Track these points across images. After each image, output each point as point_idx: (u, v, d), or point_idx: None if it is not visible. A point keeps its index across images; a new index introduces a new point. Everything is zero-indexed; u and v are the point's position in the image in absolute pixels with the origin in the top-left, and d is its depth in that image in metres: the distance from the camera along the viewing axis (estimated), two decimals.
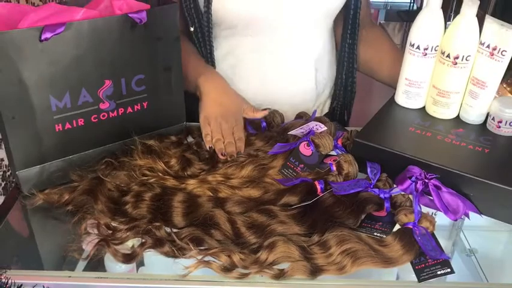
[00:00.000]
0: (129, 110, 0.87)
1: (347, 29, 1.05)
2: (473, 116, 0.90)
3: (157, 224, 0.72)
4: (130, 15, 0.80)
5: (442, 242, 1.07)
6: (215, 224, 0.72)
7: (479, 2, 0.82)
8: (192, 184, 0.81)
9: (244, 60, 1.03)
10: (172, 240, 0.70)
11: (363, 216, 0.77)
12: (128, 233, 0.72)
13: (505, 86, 1.42)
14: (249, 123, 0.98)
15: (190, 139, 0.96)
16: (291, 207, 0.76)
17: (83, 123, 0.83)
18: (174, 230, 0.73)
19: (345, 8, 1.03)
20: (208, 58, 1.03)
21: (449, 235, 1.08)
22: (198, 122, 0.93)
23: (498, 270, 1.04)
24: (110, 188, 0.80)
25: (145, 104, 0.89)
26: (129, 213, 0.76)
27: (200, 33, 1.01)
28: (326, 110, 1.16)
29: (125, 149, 0.87)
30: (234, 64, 1.04)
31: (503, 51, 0.83)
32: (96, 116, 0.84)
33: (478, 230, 0.93)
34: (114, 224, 0.75)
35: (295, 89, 1.06)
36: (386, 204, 0.78)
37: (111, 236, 0.72)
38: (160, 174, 0.83)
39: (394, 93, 0.97)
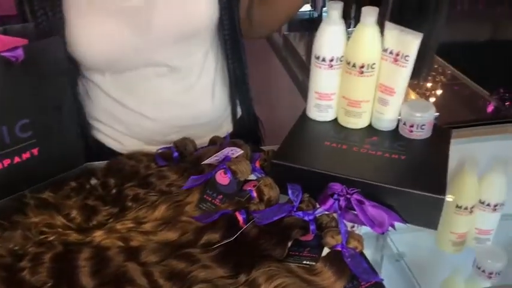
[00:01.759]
0: (17, 159, 0.77)
1: (227, 48, 1.00)
2: (385, 122, 0.90)
3: None
4: (3, 53, 0.70)
5: (370, 251, 1.08)
6: (129, 280, 0.64)
7: (378, 9, 0.81)
8: (99, 236, 0.73)
9: (133, 91, 0.97)
10: None
11: (289, 244, 0.73)
12: None
13: (411, 83, 1.46)
14: (158, 154, 0.91)
15: (93, 181, 0.86)
16: (212, 247, 0.70)
17: None
18: None
19: (221, 27, 0.98)
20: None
21: (377, 242, 1.08)
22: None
23: (428, 271, 1.05)
24: (2, 254, 0.69)
25: (35, 151, 0.79)
26: (26, 281, 0.66)
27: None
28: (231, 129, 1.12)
29: (16, 205, 0.76)
30: (124, 95, 0.97)
31: (406, 56, 0.83)
32: None
33: (404, 233, 0.93)
34: None
35: (191, 113, 1.02)
36: (312, 227, 0.75)
37: None
38: (60, 229, 0.73)
39: (305, 107, 0.95)
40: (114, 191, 0.82)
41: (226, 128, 1.09)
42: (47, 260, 0.68)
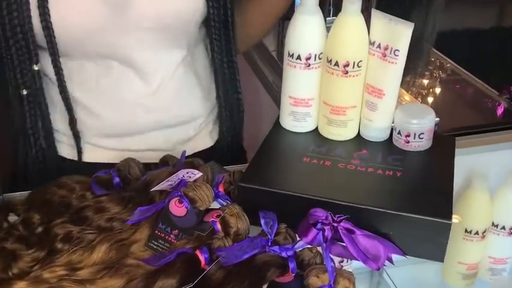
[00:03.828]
0: None
1: (217, 47, 1.10)
2: (375, 131, 0.92)
3: None
4: None
5: None
6: None
7: None
8: None
9: (94, 89, 1.06)
10: None
11: (265, 287, 0.74)
12: None
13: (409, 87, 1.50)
14: (94, 180, 0.91)
15: (12, 218, 0.86)
16: None
17: None
18: None
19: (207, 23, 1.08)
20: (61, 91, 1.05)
21: (371, 279, 1.10)
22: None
23: None
24: None
25: None
26: None
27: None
28: (216, 136, 1.22)
29: None
30: (79, 89, 1.07)
31: (395, 50, 0.85)
32: None
33: (403, 266, 0.95)
34: None
35: (163, 119, 1.11)
36: (291, 265, 0.76)
37: None
38: None
39: (278, 116, 0.96)
40: (39, 229, 0.82)
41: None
42: None
